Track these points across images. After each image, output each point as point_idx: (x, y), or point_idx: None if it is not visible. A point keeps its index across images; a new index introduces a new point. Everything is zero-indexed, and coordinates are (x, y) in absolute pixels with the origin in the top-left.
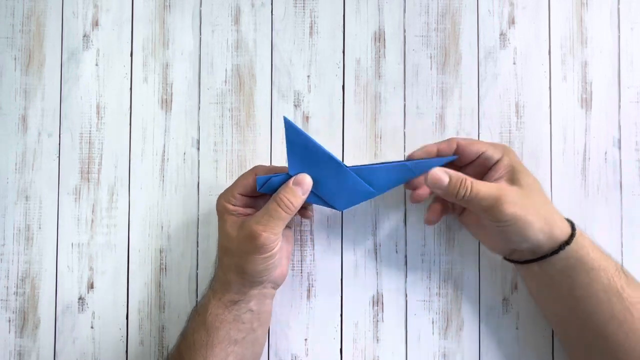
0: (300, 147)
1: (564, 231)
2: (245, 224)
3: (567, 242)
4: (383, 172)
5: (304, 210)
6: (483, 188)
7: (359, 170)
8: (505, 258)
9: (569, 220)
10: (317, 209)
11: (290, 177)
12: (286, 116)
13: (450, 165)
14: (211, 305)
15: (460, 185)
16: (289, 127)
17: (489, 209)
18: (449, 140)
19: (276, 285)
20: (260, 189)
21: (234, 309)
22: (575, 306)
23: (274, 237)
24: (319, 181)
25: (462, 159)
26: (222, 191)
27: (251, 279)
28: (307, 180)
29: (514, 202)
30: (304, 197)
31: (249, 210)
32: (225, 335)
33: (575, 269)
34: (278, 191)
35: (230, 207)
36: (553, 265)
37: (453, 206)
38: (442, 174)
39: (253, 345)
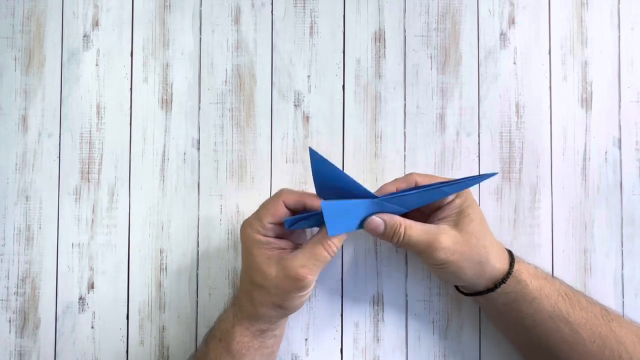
0: (328, 176)
1: (500, 270)
2: (287, 264)
3: (503, 280)
4: (415, 198)
5: None
6: (415, 234)
7: (390, 199)
8: (455, 287)
9: (510, 253)
10: None
11: (320, 214)
12: (311, 147)
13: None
14: (237, 332)
15: (394, 232)
16: (315, 158)
17: (422, 253)
18: (407, 176)
19: None
20: (290, 227)
21: (261, 337)
22: (526, 333)
23: (316, 277)
24: (350, 214)
25: None
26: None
27: (288, 313)
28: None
29: (448, 248)
30: (344, 237)
31: (282, 243)
32: None
33: (517, 301)
34: (323, 234)
35: (262, 238)
36: (495, 299)
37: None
38: (378, 221)
39: None
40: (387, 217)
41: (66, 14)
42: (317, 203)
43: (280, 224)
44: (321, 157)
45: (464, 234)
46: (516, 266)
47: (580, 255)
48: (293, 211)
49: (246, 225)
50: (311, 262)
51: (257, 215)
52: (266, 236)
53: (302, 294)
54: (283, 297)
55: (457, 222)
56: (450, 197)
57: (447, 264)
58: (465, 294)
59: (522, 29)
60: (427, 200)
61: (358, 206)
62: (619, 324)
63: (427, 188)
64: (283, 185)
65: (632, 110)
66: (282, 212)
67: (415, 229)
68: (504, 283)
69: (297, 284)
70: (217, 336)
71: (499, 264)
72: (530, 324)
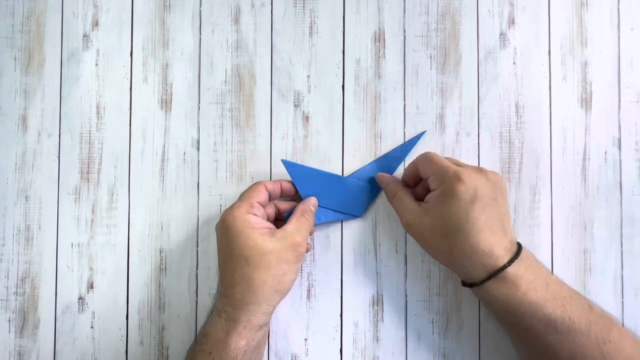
0: (305, 177)
1: (490, 260)
2: (283, 235)
3: (494, 273)
4: (374, 168)
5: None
6: (397, 202)
7: (356, 173)
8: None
9: (518, 250)
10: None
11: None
12: (283, 159)
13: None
14: (232, 339)
15: (387, 194)
16: (288, 165)
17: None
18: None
19: None
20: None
21: (258, 333)
22: (517, 337)
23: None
24: (331, 198)
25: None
26: (224, 195)
27: (285, 291)
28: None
29: (408, 221)
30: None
31: (268, 224)
32: None
33: (506, 305)
34: (304, 204)
35: (252, 217)
36: (490, 295)
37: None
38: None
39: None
40: (387, 179)
41: (66, 14)
42: (289, 186)
43: (264, 206)
44: (293, 163)
45: (431, 210)
46: (514, 268)
47: (580, 255)
48: (271, 196)
49: (233, 211)
50: (302, 229)
51: (242, 198)
52: (255, 215)
53: (298, 264)
54: (285, 269)
55: (432, 201)
56: (433, 186)
57: (409, 232)
58: (464, 285)
59: (522, 29)
60: (387, 170)
61: (325, 176)
62: (615, 347)
63: (378, 159)
64: None
65: (632, 111)
66: (264, 194)
67: (399, 199)
68: (494, 277)
69: (297, 251)
70: (206, 350)
71: (487, 250)
72: (521, 328)
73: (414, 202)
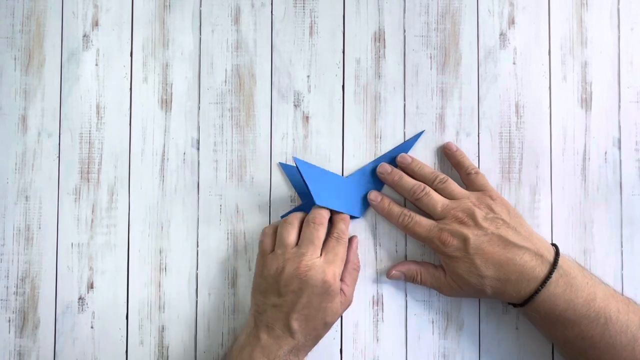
0: (320, 179)
1: (523, 292)
2: (347, 300)
3: (524, 302)
4: (374, 168)
5: None
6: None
7: (356, 173)
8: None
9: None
10: None
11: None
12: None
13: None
14: None
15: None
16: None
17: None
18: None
19: None
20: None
21: None
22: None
23: None
24: (331, 198)
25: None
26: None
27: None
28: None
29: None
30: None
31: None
32: None
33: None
34: (351, 261)
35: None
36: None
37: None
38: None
39: None
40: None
41: (66, 13)
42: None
43: None
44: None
45: (449, 274)
46: (535, 303)
47: (580, 255)
48: None
49: (334, 274)
50: (353, 286)
51: (339, 256)
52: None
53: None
54: (337, 309)
55: (444, 264)
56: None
57: (449, 295)
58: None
59: (522, 29)
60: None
61: (322, 175)
62: None
63: (378, 159)
64: (282, 185)
65: (632, 111)
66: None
67: (424, 278)
68: (524, 305)
69: (346, 306)
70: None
71: (518, 276)
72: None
73: (436, 270)
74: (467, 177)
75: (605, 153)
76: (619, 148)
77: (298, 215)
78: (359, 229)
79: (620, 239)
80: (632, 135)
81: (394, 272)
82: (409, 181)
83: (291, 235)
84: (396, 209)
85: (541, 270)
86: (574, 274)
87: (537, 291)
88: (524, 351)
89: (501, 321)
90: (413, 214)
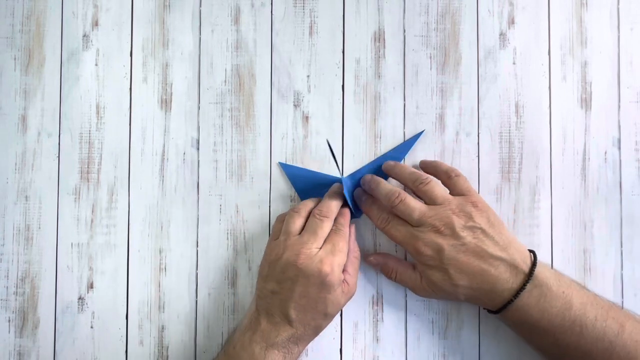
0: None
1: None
2: (350, 290)
3: (502, 308)
4: (374, 168)
5: None
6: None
7: (355, 173)
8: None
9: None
10: None
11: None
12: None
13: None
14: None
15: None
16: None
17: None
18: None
19: None
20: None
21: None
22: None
23: None
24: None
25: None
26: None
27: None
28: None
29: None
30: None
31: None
32: None
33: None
34: (354, 251)
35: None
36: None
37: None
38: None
39: None
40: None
41: (66, 13)
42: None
43: None
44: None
45: (424, 277)
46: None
47: (580, 255)
48: None
49: (333, 265)
50: (356, 274)
51: (340, 248)
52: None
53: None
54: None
55: (419, 268)
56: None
57: (423, 296)
58: (490, 312)
59: (522, 29)
60: (380, 169)
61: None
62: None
63: (378, 158)
64: (282, 185)
65: (632, 111)
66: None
67: (400, 276)
68: (498, 313)
69: (349, 296)
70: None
71: (491, 286)
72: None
73: (413, 272)
74: (448, 181)
75: (605, 153)
76: (619, 148)
77: (308, 205)
78: (359, 228)
79: (620, 239)
80: (631, 135)
81: (371, 258)
82: (384, 187)
83: (296, 224)
84: (375, 210)
85: (515, 282)
86: (550, 284)
87: (510, 301)
88: (523, 351)
89: (501, 321)
90: (391, 216)
